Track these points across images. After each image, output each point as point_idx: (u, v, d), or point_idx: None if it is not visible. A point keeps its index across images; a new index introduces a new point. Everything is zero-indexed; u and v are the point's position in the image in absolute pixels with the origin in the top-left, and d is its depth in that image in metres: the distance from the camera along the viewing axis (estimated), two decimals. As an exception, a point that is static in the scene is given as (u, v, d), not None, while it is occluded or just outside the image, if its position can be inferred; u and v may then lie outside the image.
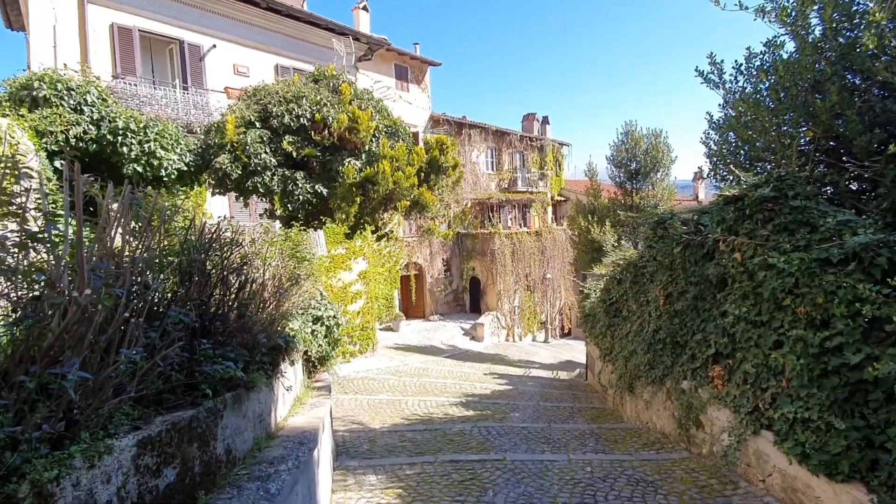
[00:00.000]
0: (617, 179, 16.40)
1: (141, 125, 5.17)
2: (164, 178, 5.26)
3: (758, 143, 5.34)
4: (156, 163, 5.27)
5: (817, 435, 3.39)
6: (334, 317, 5.94)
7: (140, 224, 2.26)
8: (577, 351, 23.15)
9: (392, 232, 8.56)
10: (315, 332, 5.33)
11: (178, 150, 5.39)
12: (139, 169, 5.17)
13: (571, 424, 7.40)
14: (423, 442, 6.22)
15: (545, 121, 29.64)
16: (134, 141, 5.09)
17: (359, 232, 8.13)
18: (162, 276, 2.47)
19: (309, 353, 5.46)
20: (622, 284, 8.39)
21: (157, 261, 2.38)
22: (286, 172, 5.70)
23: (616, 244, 15.45)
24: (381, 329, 19.97)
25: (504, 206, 25.85)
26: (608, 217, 16.18)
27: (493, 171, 26.12)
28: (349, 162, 5.76)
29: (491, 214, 24.82)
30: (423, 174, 6.42)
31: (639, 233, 15.40)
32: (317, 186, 5.80)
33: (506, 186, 26.42)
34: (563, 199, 30.51)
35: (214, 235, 3.02)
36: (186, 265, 2.65)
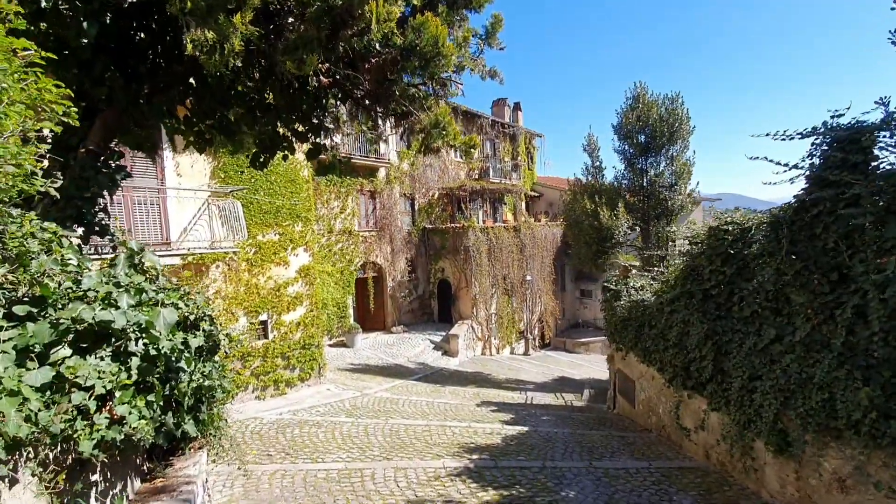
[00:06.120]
0: (625, 154, 13.43)
1: None
2: None
3: None
4: None
5: None
6: (195, 323, 2.18)
7: None
8: (564, 364, 20.00)
9: (339, 151, 4.81)
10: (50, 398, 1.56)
11: None
12: None
13: (698, 523, 3.95)
14: None
15: (517, 107, 26.74)
16: None
17: (280, 147, 4.41)
18: None
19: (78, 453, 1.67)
20: (732, 263, 5.13)
21: None
22: None
23: (631, 229, 12.50)
24: (331, 345, 15.88)
25: (476, 199, 22.52)
26: (618, 199, 13.17)
27: (463, 159, 22.78)
28: None
29: (462, 206, 21.40)
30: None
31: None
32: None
33: (477, 176, 23.16)
34: (536, 194, 27.68)
35: None
36: None
